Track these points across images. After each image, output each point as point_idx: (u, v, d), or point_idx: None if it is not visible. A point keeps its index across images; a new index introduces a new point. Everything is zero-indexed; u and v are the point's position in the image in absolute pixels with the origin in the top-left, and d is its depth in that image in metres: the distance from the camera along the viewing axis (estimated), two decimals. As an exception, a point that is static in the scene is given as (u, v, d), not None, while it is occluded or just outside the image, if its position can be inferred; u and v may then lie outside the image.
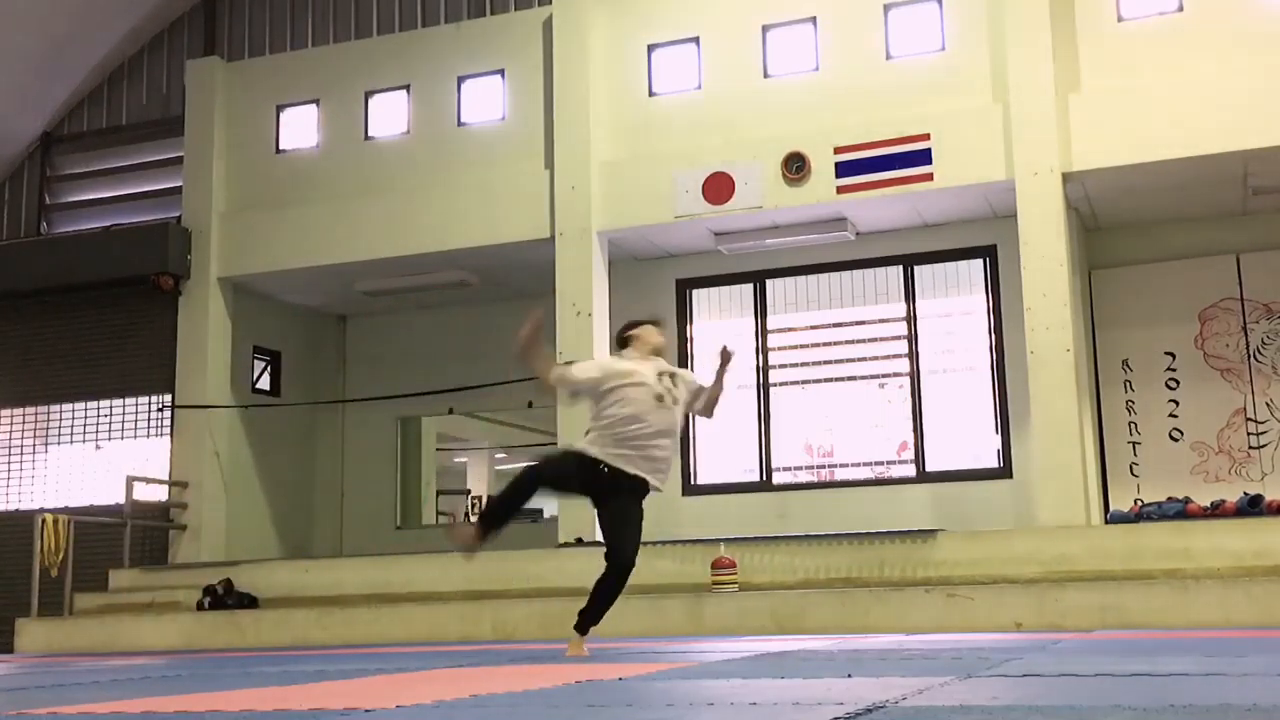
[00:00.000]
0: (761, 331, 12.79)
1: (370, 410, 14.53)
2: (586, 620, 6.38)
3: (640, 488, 6.32)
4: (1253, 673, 3.88)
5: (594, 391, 6.37)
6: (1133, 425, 12.00)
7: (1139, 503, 11.42)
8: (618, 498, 6.31)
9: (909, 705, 3.12)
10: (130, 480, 12.77)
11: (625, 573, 6.28)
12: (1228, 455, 11.69)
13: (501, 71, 12.98)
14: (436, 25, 13.49)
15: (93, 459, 14.13)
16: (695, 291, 13.14)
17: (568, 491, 6.76)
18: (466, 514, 6.64)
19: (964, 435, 12.10)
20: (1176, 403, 11.92)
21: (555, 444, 12.15)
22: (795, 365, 12.70)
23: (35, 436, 14.47)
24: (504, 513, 6.47)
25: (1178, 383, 11.94)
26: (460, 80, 13.12)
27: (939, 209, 11.92)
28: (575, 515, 11.65)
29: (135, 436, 13.97)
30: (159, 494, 13.39)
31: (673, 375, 6.46)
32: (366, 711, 3.32)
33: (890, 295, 12.51)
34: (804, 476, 12.53)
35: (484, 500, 6.42)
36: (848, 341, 12.61)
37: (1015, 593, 9.25)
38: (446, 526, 6.68)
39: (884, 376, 12.49)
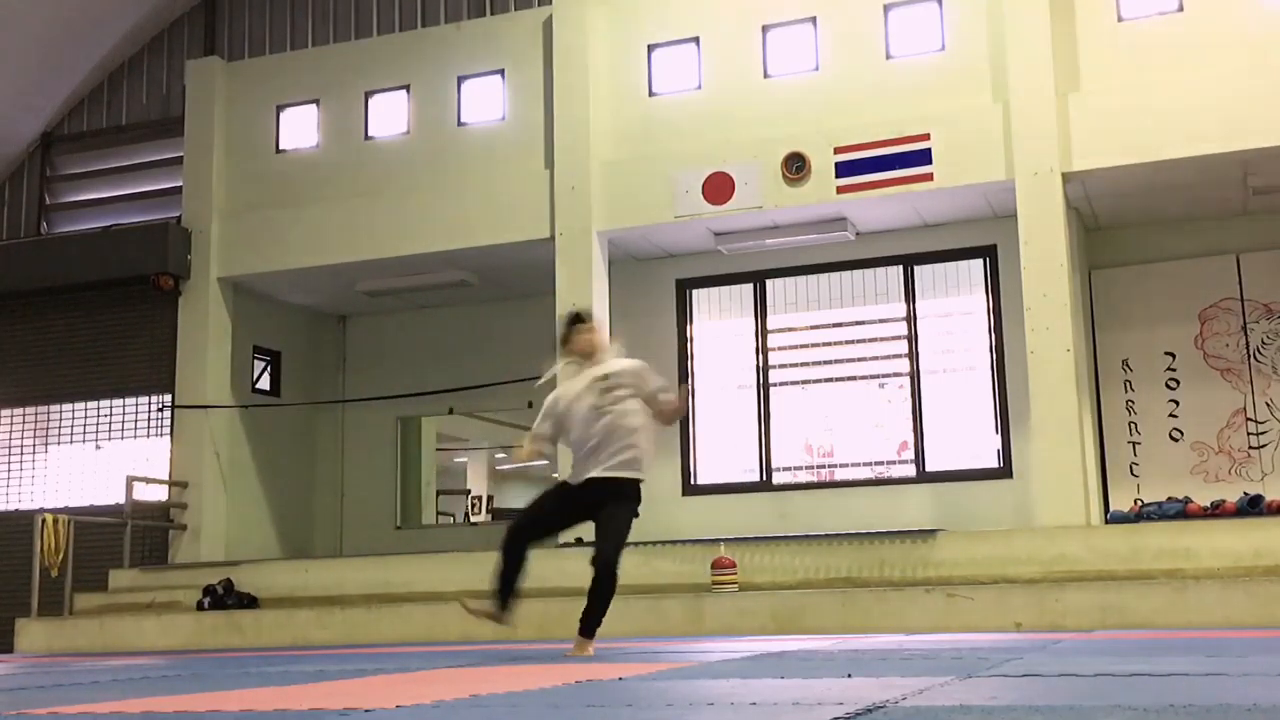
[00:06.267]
0: (761, 331, 12.79)
1: (370, 410, 14.52)
2: (588, 624, 6.46)
3: (606, 486, 6.38)
4: (1253, 673, 3.88)
5: (562, 432, 6.60)
6: (1133, 425, 12.00)
7: (1139, 503, 11.41)
8: (592, 508, 6.46)
9: (909, 705, 3.12)
10: (130, 480, 12.77)
11: (606, 572, 6.35)
12: (1228, 455, 11.69)
13: (501, 71, 12.98)
14: (436, 25, 13.49)
15: (93, 459, 14.13)
16: (695, 291, 13.14)
17: (554, 525, 6.82)
18: (495, 607, 6.81)
19: (964, 435, 12.09)
20: (1176, 403, 11.92)
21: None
22: (795, 365, 12.70)
23: (35, 436, 14.47)
24: (508, 580, 6.66)
25: (1178, 383, 11.94)
26: (460, 80, 13.12)
27: (939, 209, 11.92)
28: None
29: (135, 436, 13.97)
30: (159, 494, 13.39)
31: (606, 376, 6.52)
32: (366, 711, 3.31)
33: (890, 295, 12.50)
34: (804, 476, 12.53)
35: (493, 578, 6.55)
36: (848, 341, 12.61)
37: (1015, 593, 9.24)
38: (472, 611, 6.82)
39: (884, 376, 12.48)
